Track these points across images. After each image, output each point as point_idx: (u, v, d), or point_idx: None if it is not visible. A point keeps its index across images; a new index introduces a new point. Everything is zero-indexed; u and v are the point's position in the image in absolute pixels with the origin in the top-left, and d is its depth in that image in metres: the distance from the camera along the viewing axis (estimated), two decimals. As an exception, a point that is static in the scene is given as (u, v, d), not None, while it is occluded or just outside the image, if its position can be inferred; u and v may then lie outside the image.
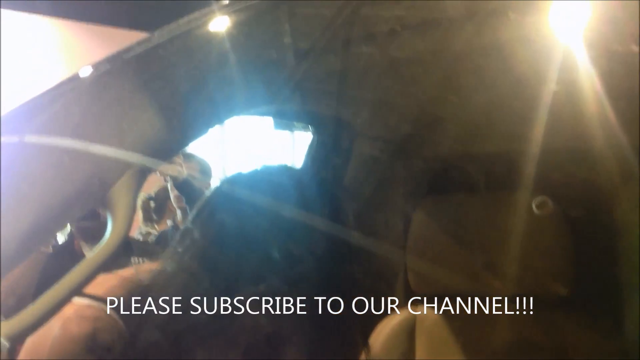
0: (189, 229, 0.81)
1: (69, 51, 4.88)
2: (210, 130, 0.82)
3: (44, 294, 0.61)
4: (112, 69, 0.82)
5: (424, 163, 1.54)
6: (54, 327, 0.71)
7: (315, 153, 1.39)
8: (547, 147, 1.15)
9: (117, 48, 0.82)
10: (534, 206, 1.25)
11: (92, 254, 0.65)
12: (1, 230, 0.63)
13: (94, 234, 2.09)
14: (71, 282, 0.62)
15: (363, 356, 0.93)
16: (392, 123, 1.40)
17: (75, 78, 0.80)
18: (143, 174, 0.70)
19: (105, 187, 0.68)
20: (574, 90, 1.01)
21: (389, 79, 1.20)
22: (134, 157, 0.69)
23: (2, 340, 0.58)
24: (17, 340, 0.59)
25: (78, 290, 0.63)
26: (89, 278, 0.64)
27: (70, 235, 2.10)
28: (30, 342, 0.75)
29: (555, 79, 1.02)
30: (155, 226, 2.92)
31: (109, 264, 0.65)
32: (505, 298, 1.27)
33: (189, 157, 2.44)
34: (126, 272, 0.83)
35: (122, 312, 0.77)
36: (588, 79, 0.98)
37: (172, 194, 2.43)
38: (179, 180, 2.18)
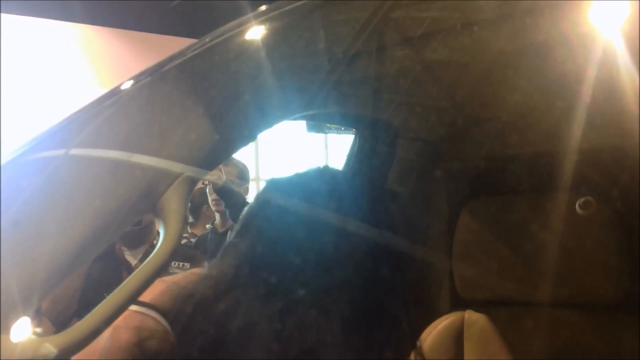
0: (233, 241, 0.82)
1: (95, 56, 4.98)
2: (252, 139, 0.82)
3: (98, 306, 0.61)
4: (152, 81, 0.83)
5: (466, 164, 1.52)
6: (103, 337, 0.73)
7: (356, 155, 1.39)
8: (591, 146, 1.13)
9: (143, 52, 0.83)
10: (577, 207, 1.23)
11: (146, 262, 0.66)
12: (55, 242, 0.64)
13: (136, 239, 2.15)
14: (126, 292, 0.63)
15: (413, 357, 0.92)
16: (432, 125, 1.39)
17: (117, 91, 0.82)
18: (193, 180, 0.71)
19: (156, 195, 0.69)
20: (615, 87, 0.99)
21: (426, 81, 1.20)
22: (181, 167, 0.70)
23: (50, 349, 0.59)
24: (69, 354, 0.60)
25: (133, 299, 0.64)
26: (144, 287, 0.65)
27: (111, 241, 2.15)
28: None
29: (595, 77, 1.00)
30: (188, 229, 2.96)
31: (163, 271, 0.66)
32: (557, 303, 1.26)
33: (227, 161, 2.47)
34: (172, 278, 0.84)
35: (168, 318, 0.78)
36: (628, 76, 0.97)
37: (211, 197, 2.46)
38: (218, 184, 2.21)
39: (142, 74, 0.82)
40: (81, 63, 4.85)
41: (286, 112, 0.93)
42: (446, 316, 1.41)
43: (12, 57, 4.40)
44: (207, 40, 0.86)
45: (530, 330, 1.28)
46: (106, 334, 0.72)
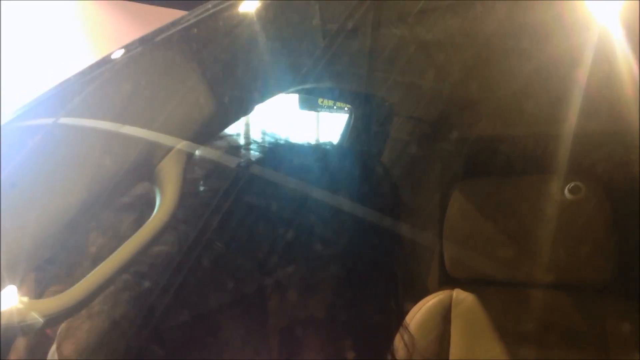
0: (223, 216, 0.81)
1: (93, 30, 4.88)
2: (247, 112, 0.82)
3: (89, 274, 0.60)
4: (144, 51, 0.82)
5: (459, 145, 1.53)
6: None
7: (350, 133, 1.38)
8: (584, 130, 1.13)
9: (139, 23, 0.81)
10: (566, 191, 1.24)
11: (141, 229, 0.65)
12: (46, 210, 0.63)
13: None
14: (118, 261, 0.62)
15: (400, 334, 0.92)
16: (425, 105, 1.39)
17: (107, 60, 0.80)
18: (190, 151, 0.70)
19: (153, 164, 0.68)
20: (610, 71, 0.99)
21: (420, 60, 1.19)
22: (172, 141, 0.69)
23: (36, 317, 0.58)
24: (54, 322, 0.59)
25: (125, 268, 0.63)
26: (137, 256, 0.64)
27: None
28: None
29: (591, 59, 1.00)
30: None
31: (157, 241, 0.65)
32: (544, 284, 1.27)
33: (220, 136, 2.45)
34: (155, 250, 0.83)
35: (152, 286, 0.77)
36: (625, 59, 0.96)
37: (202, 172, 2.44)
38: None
39: (134, 42, 0.81)
40: (82, 40, 4.76)
41: (282, 86, 0.92)
42: (434, 294, 1.42)
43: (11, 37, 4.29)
44: (203, 9, 0.84)
45: (517, 310, 1.30)
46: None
